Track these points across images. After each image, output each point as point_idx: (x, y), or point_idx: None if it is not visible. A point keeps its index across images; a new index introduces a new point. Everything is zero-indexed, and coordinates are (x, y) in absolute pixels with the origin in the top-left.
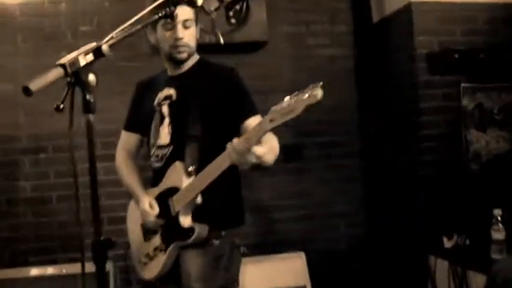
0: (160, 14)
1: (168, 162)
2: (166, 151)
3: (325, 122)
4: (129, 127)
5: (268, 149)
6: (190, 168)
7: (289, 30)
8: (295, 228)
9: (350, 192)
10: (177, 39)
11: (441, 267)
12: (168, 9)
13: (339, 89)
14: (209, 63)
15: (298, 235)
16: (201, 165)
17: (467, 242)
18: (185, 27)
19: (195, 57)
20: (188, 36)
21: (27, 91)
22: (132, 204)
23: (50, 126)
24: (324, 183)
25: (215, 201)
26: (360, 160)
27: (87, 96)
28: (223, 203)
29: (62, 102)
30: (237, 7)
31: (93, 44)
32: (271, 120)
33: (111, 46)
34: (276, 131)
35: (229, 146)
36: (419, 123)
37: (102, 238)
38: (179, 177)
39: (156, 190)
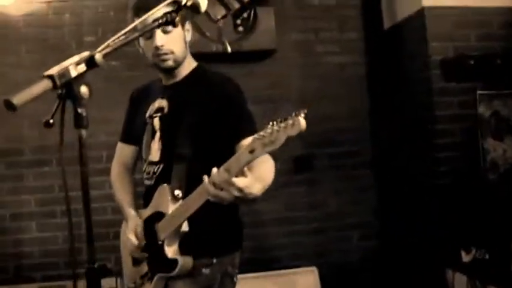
0: (160, 21)
1: (158, 180)
2: (157, 169)
3: (336, 131)
4: (125, 138)
5: (253, 180)
6: (177, 192)
7: (298, 38)
8: (306, 241)
9: (363, 203)
10: (157, 47)
11: (459, 282)
12: (169, 15)
13: (350, 96)
14: (206, 71)
15: (310, 249)
16: (189, 189)
17: (487, 255)
18: (164, 32)
19: (191, 64)
20: (170, 42)
21: (10, 106)
22: (124, 223)
23: (53, 138)
24: (335, 194)
25: (205, 228)
26: (372, 170)
27: (79, 110)
28: (215, 228)
29: (52, 117)
30: (245, 15)
31: (86, 53)
32: (251, 151)
33: (105, 56)
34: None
35: (207, 177)
36: (434, 131)
37: (96, 265)
38: (166, 201)
39: (146, 211)
